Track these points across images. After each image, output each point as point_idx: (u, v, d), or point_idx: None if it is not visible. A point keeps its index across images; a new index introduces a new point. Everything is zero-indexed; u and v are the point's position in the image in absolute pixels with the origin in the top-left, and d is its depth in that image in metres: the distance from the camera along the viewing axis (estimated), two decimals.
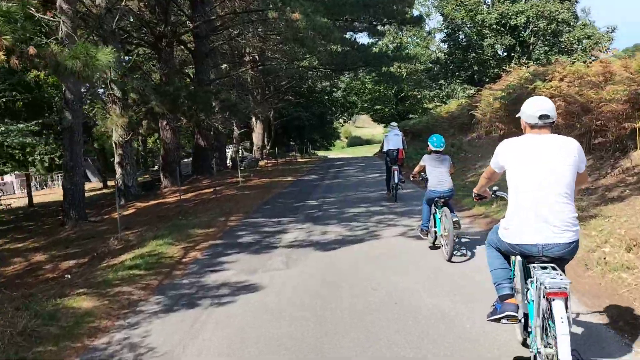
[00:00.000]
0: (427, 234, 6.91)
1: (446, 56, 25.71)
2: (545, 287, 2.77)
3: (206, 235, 9.43)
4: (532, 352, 3.11)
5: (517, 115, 3.35)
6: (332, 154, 69.28)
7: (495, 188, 3.94)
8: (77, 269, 8.50)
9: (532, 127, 3.13)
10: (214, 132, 26.58)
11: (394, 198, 10.99)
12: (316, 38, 15.53)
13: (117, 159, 16.36)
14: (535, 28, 23.34)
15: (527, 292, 3.19)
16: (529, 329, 3.19)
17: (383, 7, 19.87)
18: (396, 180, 10.69)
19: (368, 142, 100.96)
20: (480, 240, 6.63)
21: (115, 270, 6.97)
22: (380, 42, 44.10)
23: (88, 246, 10.55)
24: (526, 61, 22.33)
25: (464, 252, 6.43)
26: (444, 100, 50.82)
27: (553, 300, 2.73)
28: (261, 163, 36.86)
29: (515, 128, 10.22)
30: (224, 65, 27.35)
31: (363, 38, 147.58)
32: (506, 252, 3.38)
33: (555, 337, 2.67)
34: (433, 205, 6.67)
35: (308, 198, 13.32)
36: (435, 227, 6.61)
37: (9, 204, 19.36)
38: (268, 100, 39.23)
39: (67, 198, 13.73)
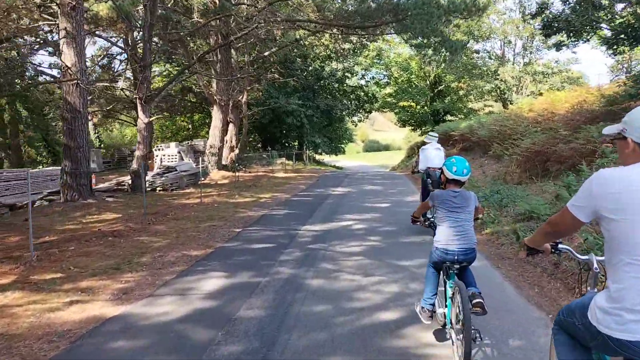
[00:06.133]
0: (431, 316, 4.01)
1: None
2: None
3: None
4: None
5: (607, 133, 2.23)
6: (344, 160, 55.00)
7: (558, 240, 2.68)
8: None
9: None
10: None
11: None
12: None
13: None
14: None
15: None
16: None
17: None
18: None
19: (387, 147, 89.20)
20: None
21: None
22: None
23: None
24: None
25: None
26: (503, 94, 35.42)
27: None
28: (215, 176, 21.98)
29: None
30: None
31: None
32: (593, 346, 2.19)
33: None
34: (442, 273, 3.99)
35: None
36: (444, 307, 3.90)
37: None
38: (240, 77, 24.24)
39: None
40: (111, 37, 17.53)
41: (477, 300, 3.57)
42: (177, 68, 27.30)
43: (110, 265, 6.35)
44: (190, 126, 41.18)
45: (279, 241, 7.87)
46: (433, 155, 8.72)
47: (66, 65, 11.92)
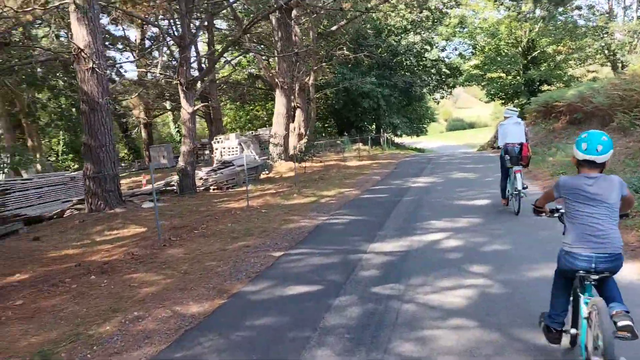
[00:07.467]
0: (559, 337, 3.14)
1: None
2: None
3: None
4: None
5: None
6: (425, 141, 51.39)
7: None
8: None
9: None
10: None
11: (515, 209, 7.63)
12: None
13: None
14: None
15: None
16: None
17: None
18: (519, 187, 7.55)
19: (472, 125, 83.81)
20: None
21: None
22: None
23: None
24: None
25: None
26: (613, 55, 30.07)
27: None
28: (280, 168, 19.63)
29: None
30: None
31: None
32: None
33: None
34: (575, 284, 3.04)
35: None
36: (578, 328, 3.02)
37: None
38: (299, 51, 21.62)
39: None
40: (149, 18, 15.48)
41: (625, 322, 2.57)
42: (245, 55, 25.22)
43: (43, 345, 3.94)
44: (264, 114, 39.35)
45: (330, 279, 5.15)
46: (512, 130, 8.31)
47: (78, 47, 9.86)
